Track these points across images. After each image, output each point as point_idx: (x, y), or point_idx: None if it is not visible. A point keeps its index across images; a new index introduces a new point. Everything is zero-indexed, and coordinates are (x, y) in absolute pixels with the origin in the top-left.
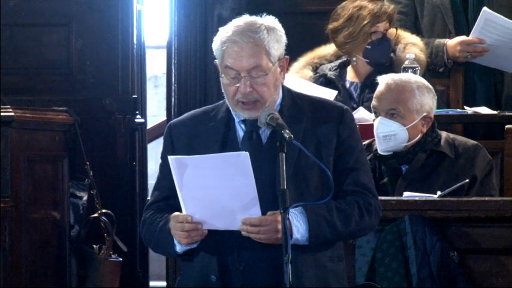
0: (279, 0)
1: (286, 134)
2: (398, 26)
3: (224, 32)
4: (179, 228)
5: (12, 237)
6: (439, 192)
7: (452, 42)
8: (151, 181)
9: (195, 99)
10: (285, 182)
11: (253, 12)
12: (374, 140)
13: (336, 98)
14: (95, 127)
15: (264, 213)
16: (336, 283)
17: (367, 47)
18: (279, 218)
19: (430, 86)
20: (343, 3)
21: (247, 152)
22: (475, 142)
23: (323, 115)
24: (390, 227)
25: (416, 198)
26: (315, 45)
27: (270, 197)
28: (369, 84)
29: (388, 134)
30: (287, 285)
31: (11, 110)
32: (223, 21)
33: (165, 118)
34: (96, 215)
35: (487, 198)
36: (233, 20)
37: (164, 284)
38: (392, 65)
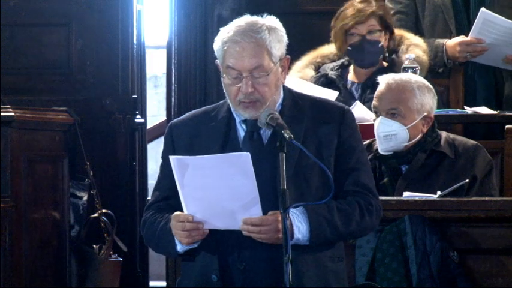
0: (279, 0)
1: (286, 134)
2: (399, 26)
3: (225, 32)
4: (180, 227)
5: (12, 237)
6: (439, 192)
7: (452, 43)
8: (151, 181)
9: (195, 99)
10: (285, 182)
11: (254, 12)
12: (374, 140)
13: (337, 98)
14: (95, 127)
15: (265, 213)
16: (337, 283)
17: (348, 48)
18: (280, 217)
19: (431, 86)
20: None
21: (248, 153)
22: (475, 142)
23: (324, 115)
24: (390, 227)
25: (416, 198)
26: (315, 45)
27: (270, 197)
28: (370, 84)
29: (389, 134)
30: (287, 285)
31: (11, 110)
32: (223, 21)
33: (165, 118)
34: (96, 215)
35: (487, 198)
36: (234, 20)
37: (164, 284)
38: (394, 65)
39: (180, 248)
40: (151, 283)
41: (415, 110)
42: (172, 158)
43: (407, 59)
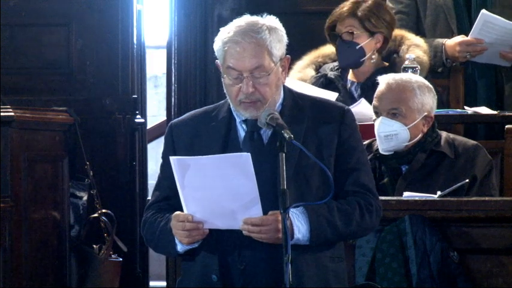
0: (279, 0)
1: (286, 134)
2: (400, 26)
3: (226, 33)
4: (180, 227)
5: (12, 237)
6: (439, 192)
7: (451, 42)
8: (152, 181)
9: (195, 99)
10: (285, 182)
11: (254, 12)
12: (374, 140)
13: (336, 98)
14: (95, 127)
15: (265, 213)
16: (337, 283)
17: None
18: (280, 217)
19: (431, 85)
20: None
21: (248, 153)
22: (475, 142)
23: (324, 115)
24: (390, 227)
25: (416, 198)
26: (315, 45)
27: (271, 197)
28: (369, 84)
29: (390, 134)
30: (287, 285)
31: (11, 110)
32: (223, 21)
33: (165, 118)
34: (96, 215)
35: (487, 198)
36: (234, 20)
37: (164, 284)
38: (395, 66)
39: (180, 248)
40: (151, 283)
41: (416, 110)
42: (172, 158)
43: (408, 59)
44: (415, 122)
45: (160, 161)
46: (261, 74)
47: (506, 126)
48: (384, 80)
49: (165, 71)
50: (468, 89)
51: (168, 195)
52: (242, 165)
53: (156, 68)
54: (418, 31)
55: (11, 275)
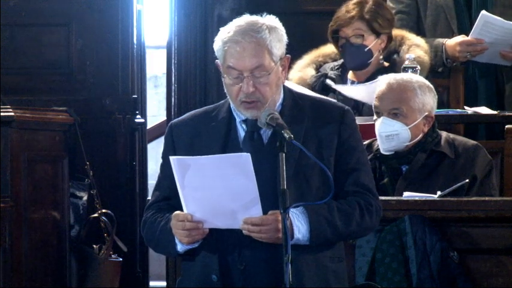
0: (279, 0)
1: (286, 134)
2: (400, 26)
3: (226, 32)
4: (180, 227)
5: (12, 237)
6: (439, 192)
7: (452, 42)
8: (152, 181)
9: (195, 99)
10: (285, 182)
11: (253, 12)
12: (374, 140)
13: (337, 98)
14: (95, 127)
15: (265, 212)
16: (337, 283)
17: (340, 49)
18: (280, 217)
19: (431, 85)
20: None
21: (248, 154)
22: (475, 142)
23: (324, 115)
24: (390, 227)
25: (416, 198)
26: (315, 45)
27: (271, 197)
28: None
29: (391, 134)
30: (287, 285)
31: (11, 110)
32: (223, 21)
33: (165, 118)
34: (96, 215)
35: (487, 198)
36: (234, 20)
37: (164, 284)
38: (395, 66)
39: (180, 247)
40: (151, 283)
41: (417, 110)
42: (172, 158)
43: (408, 59)
44: (416, 122)
45: (160, 161)
46: (261, 73)
47: (506, 126)
48: (385, 80)
49: (165, 71)
50: (468, 89)
51: (168, 195)
52: (242, 166)
53: (156, 68)
54: (419, 31)
55: (11, 275)
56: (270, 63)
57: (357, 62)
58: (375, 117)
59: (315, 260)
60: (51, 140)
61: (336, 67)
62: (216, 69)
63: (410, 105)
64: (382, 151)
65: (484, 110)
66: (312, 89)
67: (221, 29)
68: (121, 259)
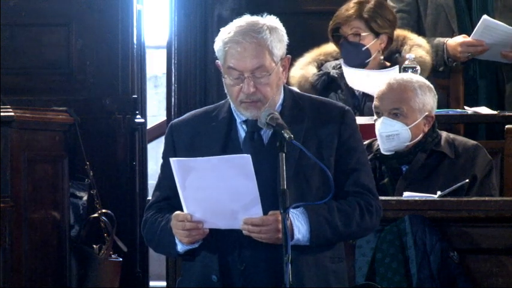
0: (279, 0)
1: (286, 134)
2: (401, 25)
3: (226, 33)
4: (180, 227)
5: (12, 237)
6: (439, 192)
7: (453, 42)
8: (152, 181)
9: (195, 99)
10: (285, 182)
11: (254, 12)
12: (374, 140)
13: (338, 97)
14: (95, 127)
15: (265, 213)
16: (337, 283)
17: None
18: (280, 217)
19: (431, 85)
20: None
21: (249, 155)
22: (475, 142)
23: (324, 115)
24: (390, 227)
25: (416, 198)
26: (315, 45)
27: (271, 197)
28: None
29: (391, 134)
30: (287, 285)
31: (11, 110)
32: (223, 21)
33: (165, 118)
34: (96, 215)
35: (487, 198)
36: (234, 20)
37: (164, 284)
38: (396, 66)
39: (180, 247)
40: (151, 283)
41: (417, 110)
42: (172, 160)
43: (408, 59)
44: (417, 122)
45: (160, 161)
46: (262, 74)
47: (506, 126)
48: (385, 80)
49: (165, 71)
50: (468, 89)
51: (169, 196)
52: (242, 167)
53: (156, 68)
54: (419, 30)
55: (11, 275)
56: (271, 64)
57: (354, 61)
58: (375, 117)
59: (315, 260)
60: (51, 140)
61: (338, 66)
62: (216, 69)
63: (410, 105)
64: (382, 151)
65: (484, 110)
66: (314, 87)
67: (221, 29)
68: (121, 259)
